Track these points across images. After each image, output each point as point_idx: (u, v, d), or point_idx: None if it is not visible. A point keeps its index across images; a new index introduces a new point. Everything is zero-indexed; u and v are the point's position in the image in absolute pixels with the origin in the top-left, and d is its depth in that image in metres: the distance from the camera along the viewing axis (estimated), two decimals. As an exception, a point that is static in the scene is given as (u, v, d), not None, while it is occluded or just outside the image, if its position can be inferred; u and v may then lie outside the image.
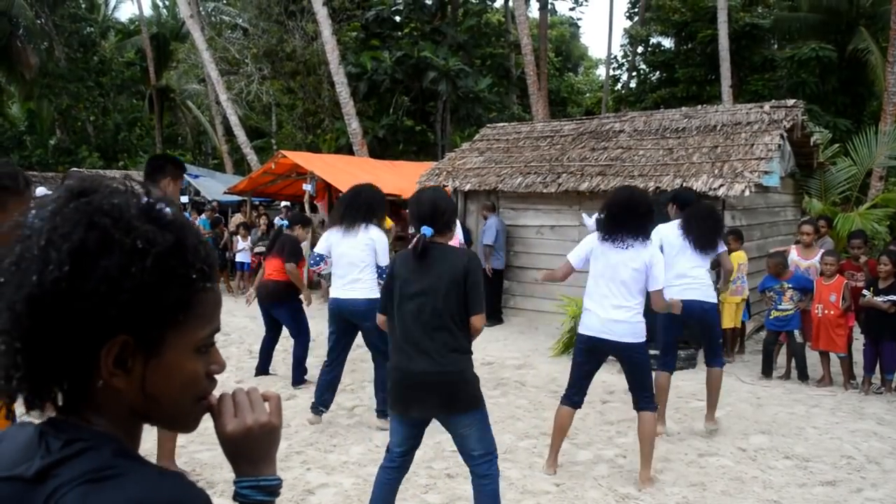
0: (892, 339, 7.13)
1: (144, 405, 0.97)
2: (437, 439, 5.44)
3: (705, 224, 5.70)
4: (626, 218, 4.60)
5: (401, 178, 14.20)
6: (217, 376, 1.05)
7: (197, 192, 18.71)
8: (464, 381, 3.48)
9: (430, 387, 3.45)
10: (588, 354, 4.80)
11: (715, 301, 5.71)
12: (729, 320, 8.36)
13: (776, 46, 24.10)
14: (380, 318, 3.80)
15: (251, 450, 1.07)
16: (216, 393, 1.07)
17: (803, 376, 7.69)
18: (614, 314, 4.59)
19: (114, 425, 0.95)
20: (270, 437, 1.08)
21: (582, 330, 4.78)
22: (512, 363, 8.26)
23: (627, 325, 4.59)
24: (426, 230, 3.52)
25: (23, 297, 0.88)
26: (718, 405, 5.91)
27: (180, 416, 1.02)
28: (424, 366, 3.43)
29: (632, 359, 4.67)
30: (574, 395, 4.89)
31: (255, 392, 1.10)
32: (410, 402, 3.54)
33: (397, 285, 3.58)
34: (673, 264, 5.50)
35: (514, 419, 6.11)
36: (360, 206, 5.70)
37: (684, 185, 9.09)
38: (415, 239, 3.53)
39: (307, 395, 6.71)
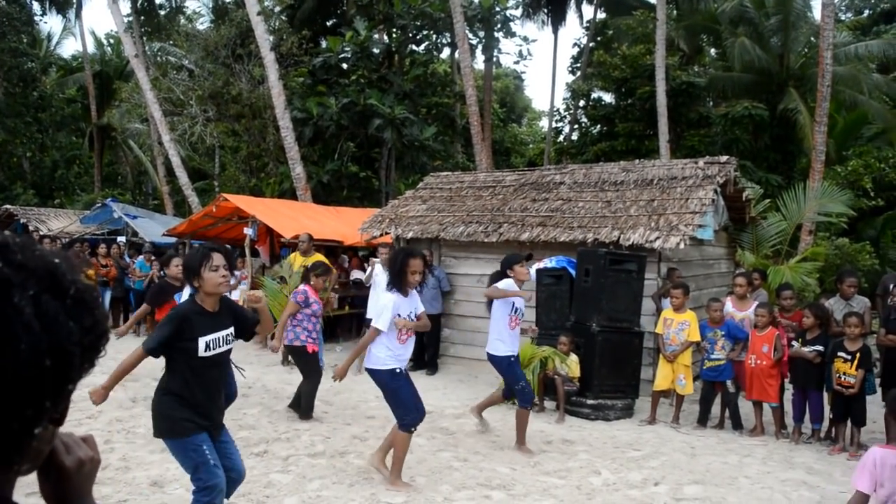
0: (818, 389, 7.36)
1: None
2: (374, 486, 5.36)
3: None
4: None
5: (344, 224, 14.20)
6: None
7: (135, 233, 18.33)
8: (155, 413, 4.05)
9: None
10: None
11: (494, 353, 6.71)
12: (664, 380, 8.09)
13: (711, 104, 25.01)
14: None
15: (81, 484, 1.15)
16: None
17: (737, 425, 7.84)
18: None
19: None
20: (94, 471, 1.19)
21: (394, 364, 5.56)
22: (451, 412, 8.20)
23: None
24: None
25: None
26: (654, 455, 5.94)
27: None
28: None
29: None
30: None
31: (72, 434, 1.18)
32: None
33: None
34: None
35: (451, 469, 6.05)
36: None
37: (622, 237, 9.30)
38: None
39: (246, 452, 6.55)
